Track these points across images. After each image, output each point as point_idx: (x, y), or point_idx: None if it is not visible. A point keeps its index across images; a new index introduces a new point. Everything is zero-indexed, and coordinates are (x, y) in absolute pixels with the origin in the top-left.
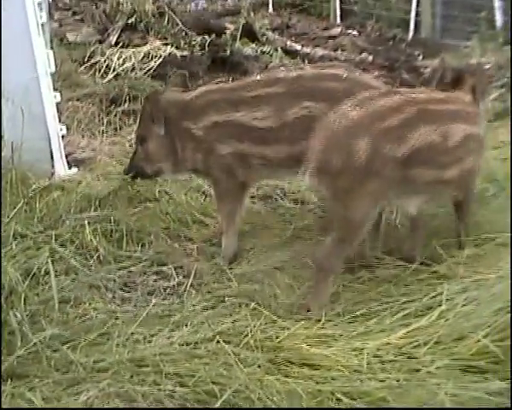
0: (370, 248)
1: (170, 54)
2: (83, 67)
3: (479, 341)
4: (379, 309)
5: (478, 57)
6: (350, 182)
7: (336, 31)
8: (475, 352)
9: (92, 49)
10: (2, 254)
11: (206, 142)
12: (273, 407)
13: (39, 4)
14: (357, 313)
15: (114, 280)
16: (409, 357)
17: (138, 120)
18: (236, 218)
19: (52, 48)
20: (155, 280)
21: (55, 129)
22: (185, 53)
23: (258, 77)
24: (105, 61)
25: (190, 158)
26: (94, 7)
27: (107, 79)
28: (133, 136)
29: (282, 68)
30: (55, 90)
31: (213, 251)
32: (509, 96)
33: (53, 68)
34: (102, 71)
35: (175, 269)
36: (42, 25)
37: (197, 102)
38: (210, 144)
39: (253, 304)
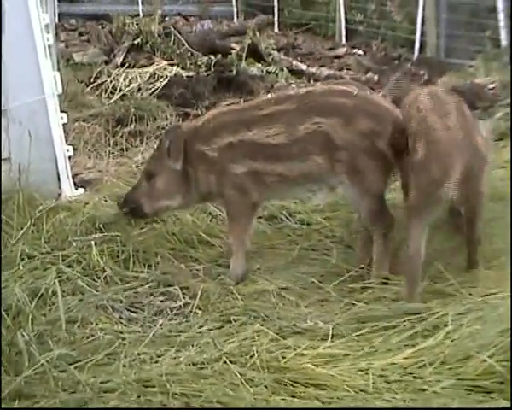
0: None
1: (176, 74)
2: (89, 88)
3: (484, 361)
4: (384, 329)
5: (482, 76)
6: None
7: (342, 50)
8: (481, 372)
9: (98, 69)
10: (10, 275)
11: (220, 163)
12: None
13: (46, 26)
14: (363, 330)
15: (121, 301)
16: (414, 377)
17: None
18: (246, 238)
19: (59, 69)
20: (162, 301)
21: (62, 150)
22: (191, 73)
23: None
24: (111, 81)
25: (204, 182)
26: (100, 27)
27: (113, 100)
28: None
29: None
30: (61, 111)
31: (220, 271)
32: None
33: (60, 90)
34: (108, 91)
35: (181, 289)
36: (49, 46)
37: (209, 126)
38: (224, 165)
39: (258, 324)
